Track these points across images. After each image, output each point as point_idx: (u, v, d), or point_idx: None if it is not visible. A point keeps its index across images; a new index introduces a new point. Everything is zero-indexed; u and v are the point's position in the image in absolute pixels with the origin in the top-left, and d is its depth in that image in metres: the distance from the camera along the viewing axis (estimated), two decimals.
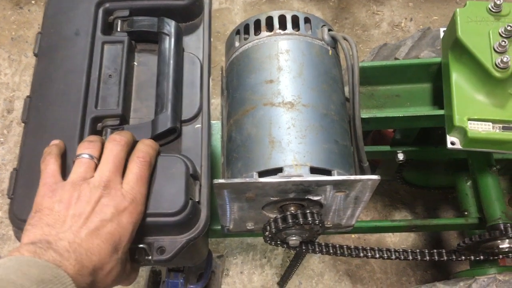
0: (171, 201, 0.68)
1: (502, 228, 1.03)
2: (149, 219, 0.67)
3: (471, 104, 0.92)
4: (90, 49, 0.78)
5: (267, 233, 0.94)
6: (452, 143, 0.94)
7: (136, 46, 0.83)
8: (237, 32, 0.87)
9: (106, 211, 0.62)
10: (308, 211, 0.90)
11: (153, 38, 0.81)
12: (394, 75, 1.09)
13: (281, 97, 0.77)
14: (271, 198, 0.80)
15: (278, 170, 0.74)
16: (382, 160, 1.41)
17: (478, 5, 0.96)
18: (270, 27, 0.84)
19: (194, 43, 0.82)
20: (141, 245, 0.69)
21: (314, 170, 0.75)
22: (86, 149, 0.66)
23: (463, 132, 0.91)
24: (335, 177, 0.74)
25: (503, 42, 0.89)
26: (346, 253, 1.05)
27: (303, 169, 0.74)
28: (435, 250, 1.07)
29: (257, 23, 0.85)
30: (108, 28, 0.82)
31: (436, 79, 1.06)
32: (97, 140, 0.68)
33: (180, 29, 0.82)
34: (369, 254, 1.05)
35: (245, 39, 0.86)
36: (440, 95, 1.00)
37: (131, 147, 0.69)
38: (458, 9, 0.96)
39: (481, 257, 1.13)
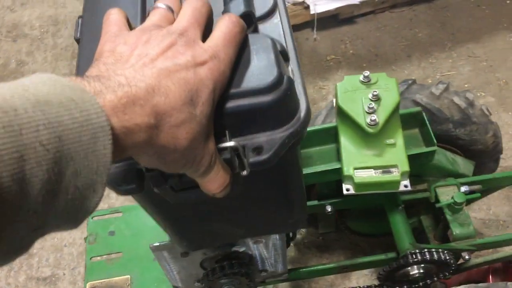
0: (262, 75, 0.53)
1: (409, 256, 1.20)
2: (236, 101, 0.52)
3: (356, 157, 1.14)
4: None
5: (203, 285, 1.13)
6: (347, 190, 1.15)
7: None
8: None
9: (181, 57, 0.47)
10: (234, 261, 1.08)
11: None
12: (306, 140, 1.32)
13: None
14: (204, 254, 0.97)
15: None
16: (319, 214, 1.59)
17: (353, 78, 1.20)
18: None
19: None
20: (231, 144, 0.53)
21: None
22: (164, 1, 0.55)
23: (352, 179, 1.12)
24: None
25: (371, 105, 1.13)
26: None
27: None
28: (360, 286, 1.24)
29: None
30: None
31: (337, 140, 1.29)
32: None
33: None
34: None
35: None
36: None
37: (210, 21, 0.55)
38: (337, 84, 1.20)
39: (404, 287, 1.30)
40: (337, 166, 1.19)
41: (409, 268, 1.22)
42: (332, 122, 1.45)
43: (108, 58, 0.48)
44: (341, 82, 1.20)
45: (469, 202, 1.38)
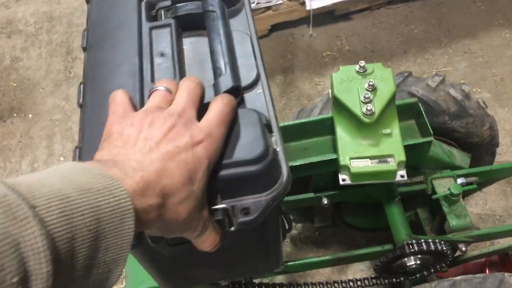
0: (250, 148, 0.61)
1: (406, 247, 1.20)
2: (228, 170, 0.60)
3: (352, 147, 1.13)
4: (138, 35, 0.75)
5: None
6: (344, 180, 1.14)
7: (182, 34, 0.80)
8: None
9: (181, 139, 0.55)
10: None
11: (199, 21, 0.78)
12: (301, 131, 1.31)
13: None
14: None
15: None
16: (315, 208, 1.59)
17: (348, 69, 1.19)
18: None
19: (239, 23, 0.80)
20: (223, 205, 0.61)
21: None
22: (162, 83, 0.62)
23: (348, 169, 1.11)
24: None
25: (367, 94, 1.12)
26: None
27: None
28: (356, 278, 1.23)
29: None
30: (153, 19, 0.80)
31: (333, 131, 1.28)
32: (173, 80, 0.64)
33: (225, 6, 0.79)
34: None
35: None
36: None
37: (202, 98, 0.63)
38: (333, 74, 1.20)
39: (401, 278, 1.29)
40: (333, 156, 1.18)
41: (405, 259, 1.21)
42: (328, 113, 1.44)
43: (118, 140, 0.55)
44: (336, 73, 1.20)
45: (465, 194, 1.38)
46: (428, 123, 1.22)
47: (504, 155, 2.15)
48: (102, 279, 0.47)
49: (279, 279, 1.81)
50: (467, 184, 1.31)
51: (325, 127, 1.29)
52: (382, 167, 1.09)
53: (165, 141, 0.54)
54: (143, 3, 0.80)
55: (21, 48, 2.81)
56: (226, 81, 0.67)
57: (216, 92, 0.66)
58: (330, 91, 1.28)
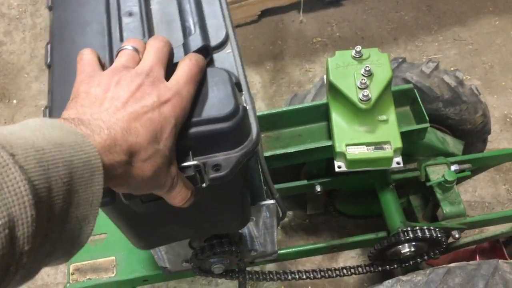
0: (221, 105, 0.62)
1: (401, 234, 1.19)
2: (199, 128, 0.61)
3: (348, 133, 1.12)
4: None
5: (192, 264, 1.10)
6: (339, 167, 1.12)
7: None
8: None
9: (147, 98, 0.55)
10: (224, 240, 1.06)
11: None
12: (295, 118, 1.29)
13: None
14: None
15: None
16: (308, 195, 1.57)
17: (344, 54, 1.17)
18: None
19: None
20: (194, 162, 0.62)
21: None
22: (130, 43, 0.62)
23: (344, 156, 1.10)
24: None
25: (363, 80, 1.10)
26: (268, 277, 1.20)
27: None
28: (350, 265, 1.22)
29: None
30: None
31: (328, 118, 1.27)
32: (140, 40, 0.65)
33: None
34: (289, 276, 1.21)
35: None
36: None
37: (171, 57, 0.64)
38: (328, 58, 1.18)
39: (395, 266, 1.29)
40: (328, 143, 1.17)
41: (400, 246, 1.20)
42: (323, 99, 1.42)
43: (84, 99, 0.55)
44: (332, 57, 1.18)
45: (458, 181, 1.38)
46: (424, 110, 1.21)
47: (493, 143, 2.16)
48: (74, 236, 0.47)
49: (270, 267, 1.80)
50: (461, 171, 1.30)
51: (320, 113, 1.27)
52: (379, 153, 1.08)
53: (132, 100, 0.55)
54: None
55: (4, 32, 2.73)
56: (196, 41, 0.67)
57: (186, 51, 0.67)
58: (324, 76, 1.26)
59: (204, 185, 0.64)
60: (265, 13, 2.63)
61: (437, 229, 1.18)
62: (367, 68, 1.11)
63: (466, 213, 1.27)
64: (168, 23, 0.74)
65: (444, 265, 1.12)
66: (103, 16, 0.72)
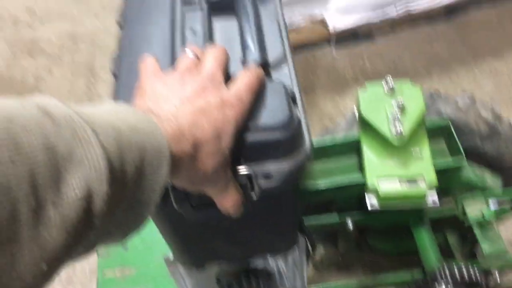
0: (276, 115, 0.63)
1: (438, 273, 1.14)
2: (254, 135, 0.62)
3: (380, 168, 1.09)
4: (171, 14, 0.79)
5: None
6: (372, 206, 1.09)
7: (212, 17, 0.83)
8: None
9: (212, 99, 0.57)
10: (252, 277, 1.04)
11: (230, 7, 0.81)
12: (327, 152, 1.27)
13: None
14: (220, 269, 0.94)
15: None
16: (339, 232, 1.53)
17: (376, 86, 1.16)
18: None
19: (268, 11, 0.82)
20: (246, 172, 0.63)
21: None
22: (190, 49, 0.65)
23: (376, 192, 1.07)
24: None
25: (396, 114, 1.08)
26: None
27: None
28: None
29: None
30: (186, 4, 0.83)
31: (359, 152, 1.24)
32: (199, 48, 0.67)
33: None
34: None
35: None
36: None
37: (227, 67, 0.66)
38: (359, 90, 1.16)
39: None
40: (360, 179, 1.14)
41: (436, 285, 1.15)
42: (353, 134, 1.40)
43: (151, 96, 0.57)
44: (362, 90, 1.16)
45: (498, 217, 1.32)
46: (460, 146, 1.17)
47: None
48: (136, 220, 0.49)
49: None
50: (500, 207, 1.25)
51: (352, 148, 1.25)
52: (412, 189, 1.05)
53: (198, 98, 0.57)
54: None
55: (45, 69, 2.84)
56: (254, 56, 0.70)
57: (244, 65, 0.69)
58: (355, 108, 1.24)
59: (254, 196, 0.65)
60: (296, 48, 2.66)
61: (476, 269, 1.12)
62: (400, 102, 1.09)
63: (507, 252, 1.21)
64: (229, 42, 0.78)
65: None
66: (168, 32, 0.76)
